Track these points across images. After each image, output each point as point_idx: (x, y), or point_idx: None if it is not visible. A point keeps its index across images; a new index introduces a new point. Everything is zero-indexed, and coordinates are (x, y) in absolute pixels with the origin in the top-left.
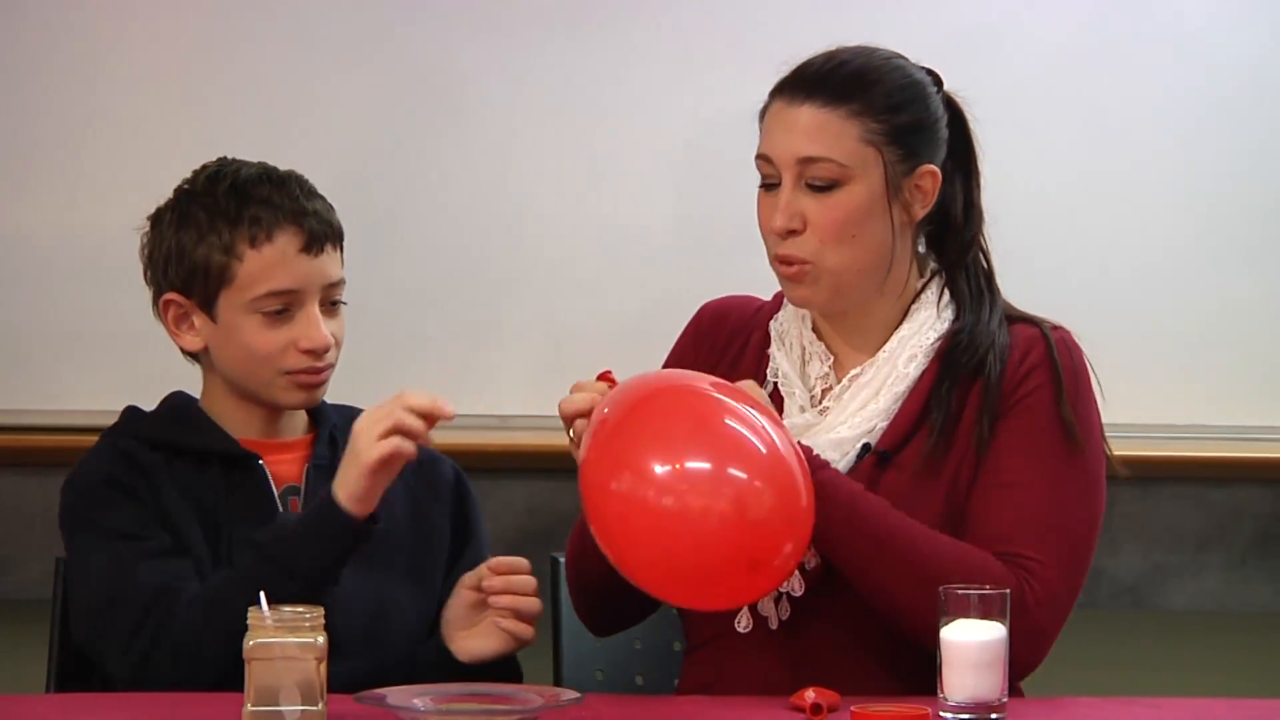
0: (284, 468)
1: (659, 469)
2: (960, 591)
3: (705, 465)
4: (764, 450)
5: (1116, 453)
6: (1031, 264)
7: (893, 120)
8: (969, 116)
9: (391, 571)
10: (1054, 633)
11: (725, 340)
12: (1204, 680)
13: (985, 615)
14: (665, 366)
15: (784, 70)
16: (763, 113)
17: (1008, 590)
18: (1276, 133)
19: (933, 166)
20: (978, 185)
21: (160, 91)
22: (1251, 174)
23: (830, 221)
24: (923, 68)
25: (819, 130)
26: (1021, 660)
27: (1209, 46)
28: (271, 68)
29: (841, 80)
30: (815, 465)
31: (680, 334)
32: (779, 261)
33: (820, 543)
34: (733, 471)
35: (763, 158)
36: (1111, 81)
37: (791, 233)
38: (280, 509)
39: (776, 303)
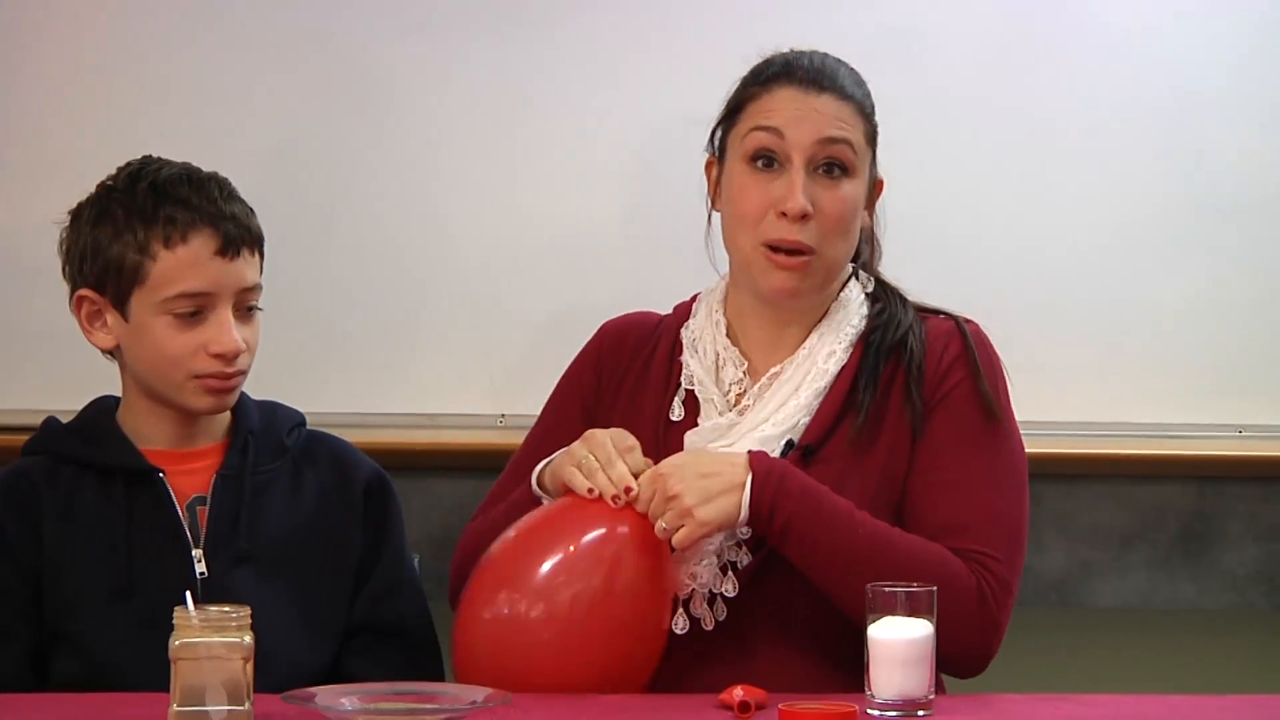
0: (192, 478)
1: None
2: (887, 589)
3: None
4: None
5: (1042, 450)
6: (956, 260)
7: (873, 125)
8: None
9: (296, 578)
10: (1006, 624)
11: (630, 354)
12: (1129, 676)
13: (912, 613)
14: (561, 382)
15: (754, 61)
16: (748, 96)
17: (934, 588)
18: (1202, 132)
19: (881, 178)
20: None
21: (82, 90)
22: (1175, 173)
23: (837, 212)
24: None
25: (840, 117)
26: (979, 653)
27: (1135, 47)
28: (194, 67)
29: (846, 78)
30: (777, 469)
31: (580, 352)
32: (773, 249)
33: (784, 543)
34: None
35: (770, 130)
36: (1036, 82)
37: (804, 217)
38: (184, 523)
39: (679, 313)
